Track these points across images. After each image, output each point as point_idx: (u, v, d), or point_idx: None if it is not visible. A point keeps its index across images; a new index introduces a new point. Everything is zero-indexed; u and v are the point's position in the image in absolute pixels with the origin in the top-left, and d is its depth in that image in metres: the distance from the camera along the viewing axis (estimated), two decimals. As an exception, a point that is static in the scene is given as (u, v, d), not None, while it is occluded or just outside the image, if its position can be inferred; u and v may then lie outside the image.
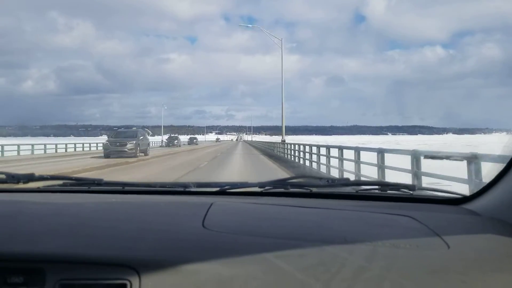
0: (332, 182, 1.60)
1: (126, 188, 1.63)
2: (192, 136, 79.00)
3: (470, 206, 1.33)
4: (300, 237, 1.01)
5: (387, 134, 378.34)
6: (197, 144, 63.52)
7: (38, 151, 28.76)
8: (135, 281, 0.83)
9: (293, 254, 0.91)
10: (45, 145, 30.16)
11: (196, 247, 0.94)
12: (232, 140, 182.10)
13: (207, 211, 1.20)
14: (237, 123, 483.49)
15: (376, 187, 1.61)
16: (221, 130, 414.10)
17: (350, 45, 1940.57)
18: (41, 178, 1.64)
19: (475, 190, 1.37)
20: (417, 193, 1.51)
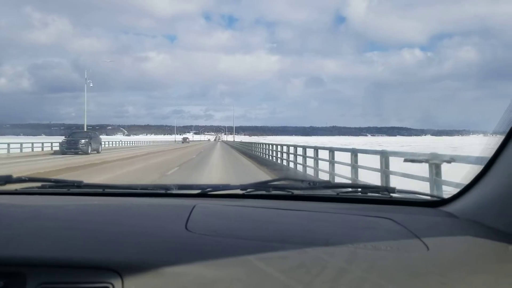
0: (314, 184, 1.69)
1: (107, 190, 1.69)
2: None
3: (448, 208, 1.41)
4: (282, 240, 1.06)
5: (366, 135, 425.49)
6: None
7: (2, 151, 29.23)
8: (117, 284, 0.86)
9: (275, 256, 0.96)
10: (8, 144, 30.84)
11: (179, 249, 0.98)
12: (209, 140, 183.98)
13: (190, 214, 1.25)
14: (215, 123, 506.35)
15: (357, 189, 1.69)
16: (200, 130, 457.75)
17: (330, 46, 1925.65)
18: (19, 180, 1.67)
19: (453, 193, 1.44)
20: (397, 195, 1.60)
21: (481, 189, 1.26)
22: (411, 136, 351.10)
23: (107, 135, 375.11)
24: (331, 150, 10.46)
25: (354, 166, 8.59)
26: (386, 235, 1.15)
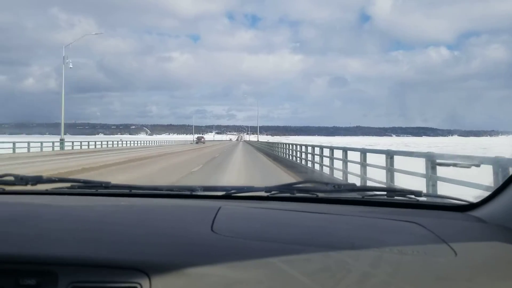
0: (338, 187, 1.67)
1: (133, 191, 1.73)
2: None
3: (476, 213, 1.38)
4: (306, 242, 1.06)
5: (391, 136, 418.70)
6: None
7: (26, 149, 29.18)
8: (145, 284, 0.88)
9: (299, 259, 0.96)
10: (41, 143, 31.61)
11: (205, 251, 1.00)
12: (231, 140, 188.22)
13: (215, 215, 1.27)
14: (238, 123, 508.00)
15: (383, 193, 1.69)
16: (222, 129, 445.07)
17: (354, 45, 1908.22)
18: (49, 180, 1.71)
19: (483, 197, 1.41)
20: (424, 199, 1.58)
21: (510, 193, 1.25)
22: (437, 136, 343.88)
23: (130, 134, 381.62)
24: (363, 152, 9.45)
25: (390, 170, 7.76)
26: (413, 239, 1.14)
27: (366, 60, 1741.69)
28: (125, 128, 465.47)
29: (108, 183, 1.73)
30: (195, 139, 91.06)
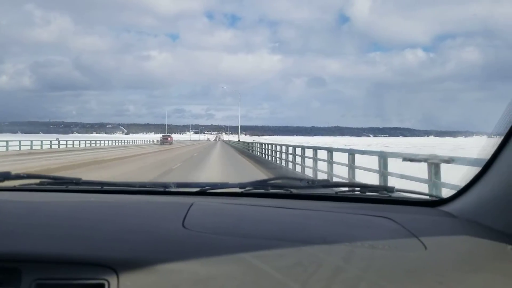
0: (312, 183, 1.70)
1: (105, 187, 1.69)
2: None
3: (447, 208, 1.41)
4: (279, 238, 1.07)
5: (368, 136, 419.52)
6: None
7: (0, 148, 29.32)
8: (113, 280, 0.86)
9: (271, 254, 0.96)
10: (6, 142, 31.40)
11: (176, 247, 0.99)
12: (208, 139, 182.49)
13: (187, 211, 1.26)
14: (216, 123, 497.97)
15: (356, 188, 1.71)
16: (200, 129, 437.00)
17: (333, 46, 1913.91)
18: (18, 176, 1.67)
19: (452, 193, 1.43)
20: (396, 195, 1.60)
21: (480, 189, 1.28)
22: (414, 137, 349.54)
23: (105, 133, 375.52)
24: (351, 153, 9.12)
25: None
26: (384, 234, 1.15)
27: (344, 61, 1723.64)
28: (101, 127, 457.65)
29: (79, 179, 1.72)
30: (160, 139, 71.30)
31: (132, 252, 0.97)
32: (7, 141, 32.67)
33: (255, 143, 31.88)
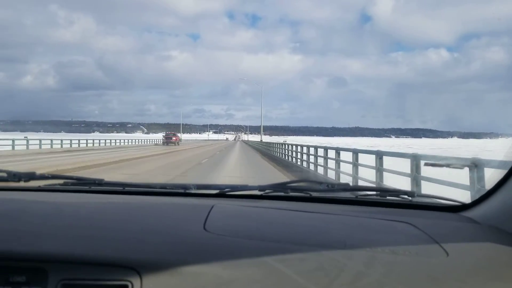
0: (332, 187, 1.69)
1: (127, 188, 1.72)
2: None
3: (469, 214, 1.40)
4: (300, 242, 1.08)
5: (390, 137, 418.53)
6: None
7: (21, 147, 28.80)
8: (136, 282, 0.89)
9: (293, 258, 0.97)
10: (27, 140, 31.29)
11: (197, 249, 1.00)
12: (227, 139, 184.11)
13: (208, 214, 1.28)
14: (236, 123, 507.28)
15: (376, 192, 1.72)
16: (220, 129, 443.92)
17: (354, 45, 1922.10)
18: (42, 177, 1.71)
19: (476, 198, 1.42)
20: (417, 199, 1.60)
21: (504, 194, 1.26)
22: (437, 138, 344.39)
23: (126, 132, 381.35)
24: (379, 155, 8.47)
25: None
26: (405, 239, 1.15)
27: (366, 61, 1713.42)
28: (121, 127, 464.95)
29: (102, 180, 1.74)
30: (163, 138, 55.16)
31: (155, 254, 0.98)
32: (27, 139, 32.87)
33: (285, 144, 24.22)
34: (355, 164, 9.97)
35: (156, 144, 57.27)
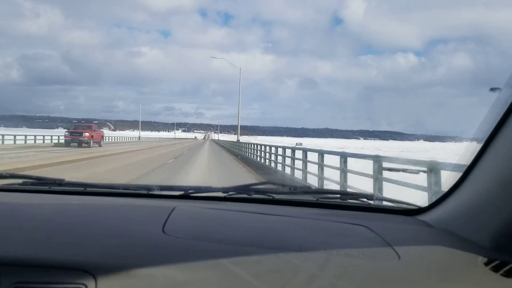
0: (294, 189, 1.73)
1: (88, 189, 1.70)
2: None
3: (424, 217, 1.44)
4: (258, 244, 1.10)
5: (358, 139, 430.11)
6: None
7: None
8: (91, 285, 0.88)
9: (249, 261, 0.98)
10: None
11: (154, 252, 1.01)
12: (196, 138, 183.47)
13: (168, 216, 1.28)
14: (206, 121, 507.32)
15: (337, 195, 1.75)
16: (188, 127, 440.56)
17: (325, 47, 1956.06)
18: (1, 176, 1.68)
19: (432, 201, 1.46)
20: (376, 203, 1.67)
21: (457, 198, 1.30)
22: (404, 140, 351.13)
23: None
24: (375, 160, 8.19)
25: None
26: (360, 242, 1.18)
27: (337, 63, 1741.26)
28: (87, 123, 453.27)
29: (62, 180, 1.72)
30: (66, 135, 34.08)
31: (110, 257, 0.98)
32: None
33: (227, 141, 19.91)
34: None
35: (55, 145, 35.05)
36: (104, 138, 42.65)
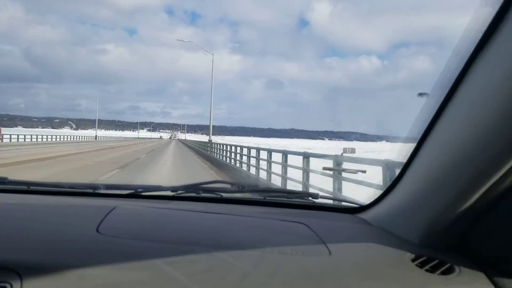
0: (242, 188, 1.75)
1: (32, 187, 1.67)
2: None
3: (364, 215, 1.47)
4: (194, 243, 1.09)
5: (323, 139, 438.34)
6: None
7: None
8: (16, 284, 0.85)
9: (183, 260, 0.98)
10: None
11: (85, 252, 0.99)
12: (161, 137, 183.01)
13: (106, 215, 1.26)
14: (172, 121, 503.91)
15: (284, 194, 1.80)
16: (154, 127, 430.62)
17: (292, 49, 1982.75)
18: None
19: (372, 199, 1.47)
20: (319, 201, 1.68)
21: (393, 197, 1.33)
22: (367, 141, 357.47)
23: (52, 128, 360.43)
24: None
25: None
26: (295, 239, 1.19)
27: (303, 64, 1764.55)
28: (48, 122, 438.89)
29: (5, 178, 1.69)
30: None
31: (38, 255, 0.96)
32: None
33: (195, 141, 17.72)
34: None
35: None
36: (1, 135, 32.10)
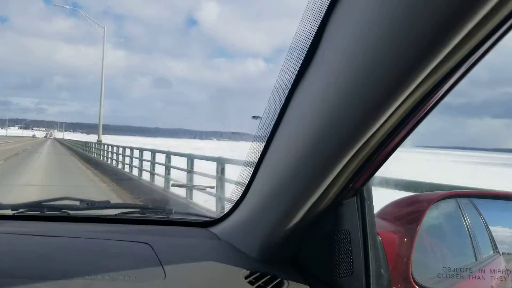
0: (92, 204, 1.63)
1: None
2: None
3: (215, 229, 1.43)
4: (14, 275, 0.97)
5: (212, 139, 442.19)
6: None
7: None
8: None
9: None
10: None
11: None
12: (34, 136, 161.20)
13: None
14: (48, 118, 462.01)
15: (137, 210, 1.69)
16: (27, 124, 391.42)
17: (180, 47, 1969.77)
18: None
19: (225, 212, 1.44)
20: (174, 216, 1.64)
21: (239, 210, 1.32)
22: (255, 142, 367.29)
23: None
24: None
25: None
26: (133, 263, 1.12)
27: (191, 64, 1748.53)
28: None
29: None
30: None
31: None
32: None
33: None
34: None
35: None
36: None
